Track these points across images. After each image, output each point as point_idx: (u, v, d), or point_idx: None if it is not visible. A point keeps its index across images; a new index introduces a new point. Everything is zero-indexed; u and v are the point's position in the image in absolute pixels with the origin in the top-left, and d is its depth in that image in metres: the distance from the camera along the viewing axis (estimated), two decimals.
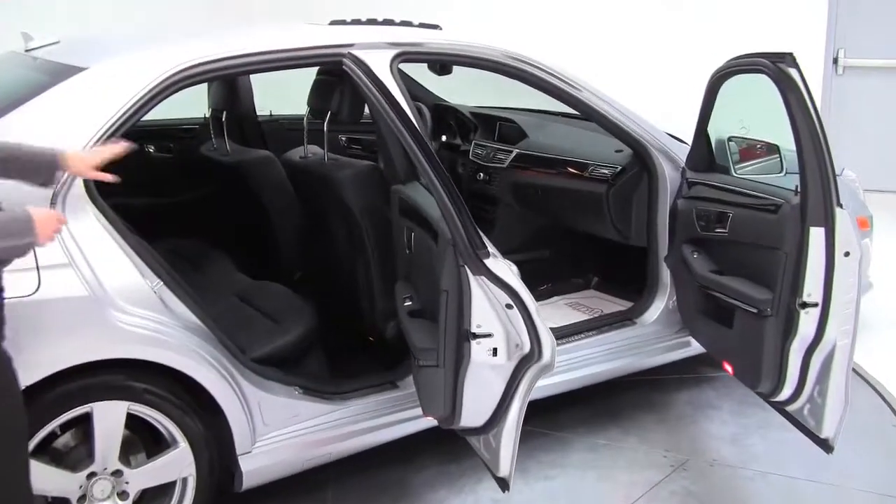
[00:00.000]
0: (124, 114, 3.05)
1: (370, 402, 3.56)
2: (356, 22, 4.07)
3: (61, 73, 3.17)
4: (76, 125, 3.00)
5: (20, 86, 3.27)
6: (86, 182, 2.96)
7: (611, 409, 4.28)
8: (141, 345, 2.99)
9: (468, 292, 2.87)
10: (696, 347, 4.23)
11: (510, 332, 2.88)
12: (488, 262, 2.84)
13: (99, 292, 2.90)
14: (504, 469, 3.05)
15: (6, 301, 2.51)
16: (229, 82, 4.23)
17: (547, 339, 2.84)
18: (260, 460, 3.31)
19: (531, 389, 2.97)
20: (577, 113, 4.18)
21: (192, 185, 4.58)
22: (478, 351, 2.92)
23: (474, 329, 2.90)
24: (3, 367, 2.46)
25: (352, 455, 3.60)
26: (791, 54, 3.20)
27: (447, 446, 3.83)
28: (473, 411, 3.07)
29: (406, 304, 3.36)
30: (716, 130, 3.93)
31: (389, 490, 3.71)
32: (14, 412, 2.50)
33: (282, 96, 4.88)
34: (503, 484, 3.08)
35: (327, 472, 3.63)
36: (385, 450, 3.67)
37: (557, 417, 4.08)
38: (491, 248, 2.88)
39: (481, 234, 2.89)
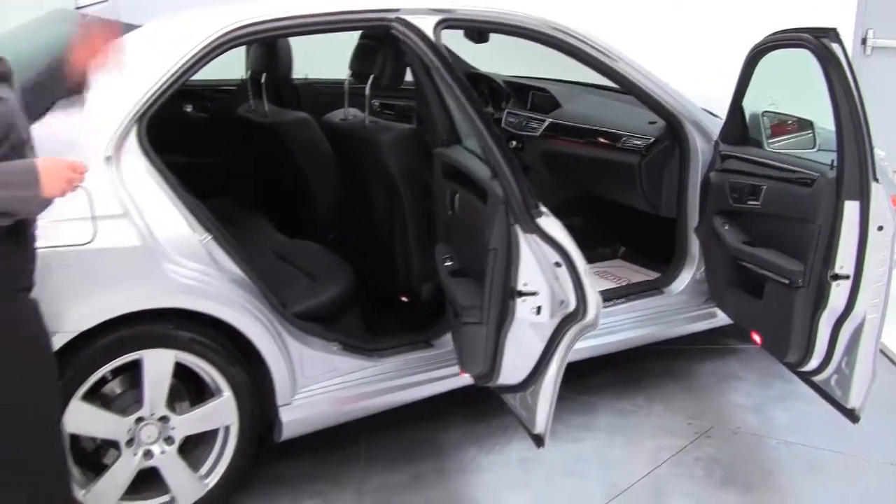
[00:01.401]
0: (177, 72, 3.14)
1: (405, 359, 3.65)
2: None
3: None
4: (130, 82, 3.08)
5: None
6: (139, 137, 3.04)
7: (637, 376, 4.36)
8: (190, 295, 3.07)
9: (517, 251, 2.94)
10: (721, 319, 4.29)
11: (555, 290, 2.95)
12: (540, 220, 2.90)
13: (151, 243, 2.99)
14: (540, 426, 3.12)
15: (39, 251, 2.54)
16: (270, 45, 4.28)
17: (593, 297, 2.91)
18: (299, 412, 3.40)
19: (571, 348, 3.04)
20: (609, 84, 4.24)
21: (228, 146, 4.64)
22: (522, 309, 2.99)
23: (520, 287, 2.97)
24: (32, 315, 2.50)
25: (384, 412, 3.68)
26: (834, 30, 3.25)
27: (476, 406, 3.93)
28: (512, 368, 3.14)
29: (446, 264, 3.44)
30: (751, 105, 3.97)
31: (420, 447, 3.80)
32: (45, 359, 2.56)
33: (316, 60, 4.93)
34: (538, 440, 3.15)
35: (359, 427, 3.70)
36: (416, 408, 3.75)
37: (585, 383, 4.15)
38: (542, 208, 2.95)
39: (533, 193, 2.95)
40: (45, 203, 2.40)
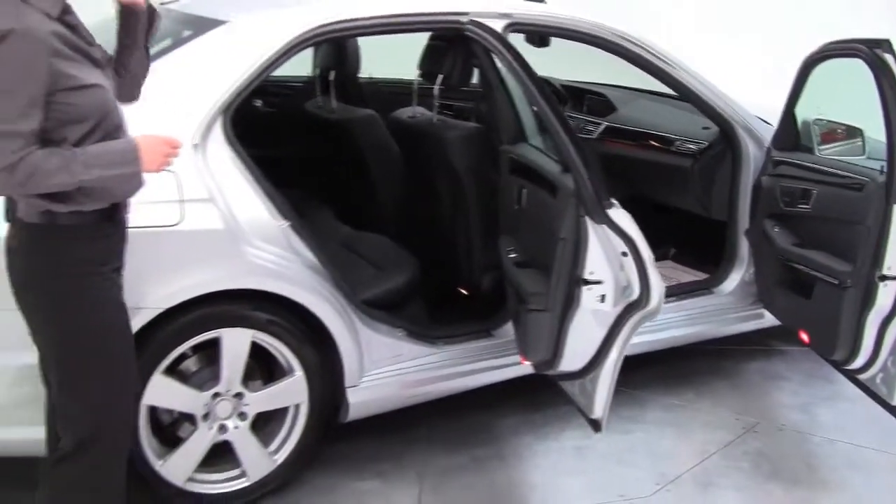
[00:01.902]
0: (261, 67, 3.33)
1: (466, 348, 3.81)
2: None
3: (203, 24, 3.42)
4: (217, 75, 3.26)
5: (163, 35, 3.53)
6: (224, 127, 3.22)
7: (686, 373, 4.50)
8: (269, 278, 3.24)
9: (585, 241, 3.08)
10: (768, 320, 4.42)
11: (620, 279, 3.09)
12: (611, 212, 3.05)
13: (234, 227, 3.16)
14: (598, 411, 3.27)
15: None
16: (339, 44, 4.45)
17: (657, 286, 3.05)
18: (365, 394, 3.56)
19: (632, 335, 3.18)
20: (663, 90, 4.39)
21: (295, 140, 4.81)
22: (587, 297, 3.14)
23: (586, 275, 3.12)
24: (121, 295, 2.66)
25: (444, 397, 3.84)
26: (887, 41, 3.40)
27: (532, 396, 4.09)
28: (573, 355, 3.29)
29: (510, 255, 3.59)
30: (803, 112, 4.10)
31: (478, 433, 3.96)
32: (128, 337, 2.71)
33: (376, 59, 5.09)
34: (595, 425, 3.30)
35: (420, 412, 3.85)
36: (475, 395, 3.91)
37: (636, 378, 4.27)
38: (613, 200, 3.10)
39: (605, 187, 3.10)
40: (141, 183, 2.55)
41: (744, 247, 4.33)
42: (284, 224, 3.29)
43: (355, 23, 3.56)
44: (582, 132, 5.08)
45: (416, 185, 4.26)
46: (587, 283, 3.12)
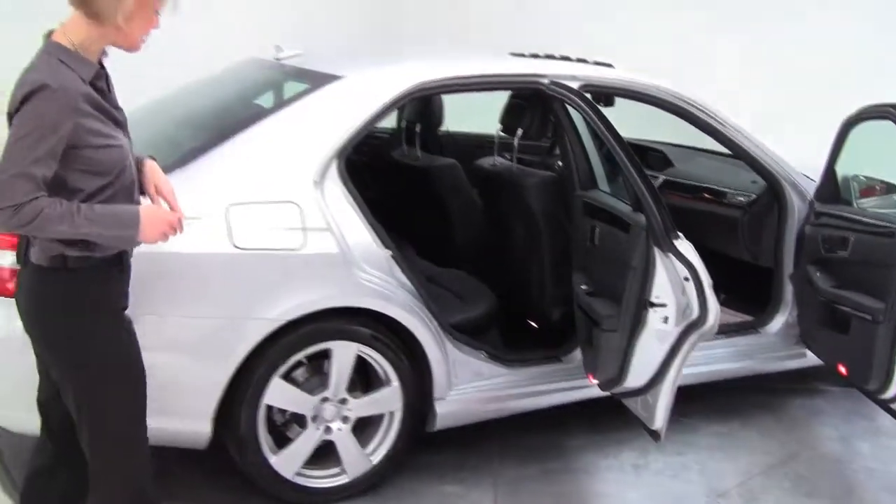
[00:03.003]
0: (371, 117, 3.86)
1: (537, 371, 4.27)
2: (535, 56, 4.81)
3: (320, 79, 3.96)
4: (335, 123, 3.80)
5: (271, 83, 4.11)
6: (339, 168, 3.73)
7: (734, 405, 4.93)
8: (376, 298, 3.74)
9: (653, 268, 3.56)
10: (810, 359, 4.84)
11: (681, 302, 3.55)
12: (677, 242, 3.53)
13: (347, 253, 3.67)
14: (658, 423, 3.72)
15: None
16: (426, 99, 4.97)
17: (713, 307, 3.51)
18: (451, 406, 4.03)
19: (690, 353, 3.63)
20: (713, 147, 4.87)
21: (382, 184, 5.31)
22: (653, 318, 3.61)
23: (653, 299, 3.59)
24: (131, 330, 2.86)
25: (516, 415, 4.30)
26: None
27: (595, 419, 4.55)
28: (637, 373, 3.74)
29: (582, 287, 4.07)
30: (842, 168, 4.58)
31: (546, 449, 4.41)
32: (139, 369, 2.89)
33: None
34: (656, 436, 3.74)
35: (493, 427, 4.31)
36: (543, 414, 4.37)
37: (689, 408, 4.69)
38: (678, 233, 3.57)
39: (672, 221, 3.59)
40: (137, 243, 2.75)
41: (788, 290, 4.77)
42: (388, 253, 3.79)
43: (452, 80, 4.09)
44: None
45: (493, 226, 4.75)
46: (653, 305, 3.59)
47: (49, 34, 2.65)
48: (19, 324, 2.92)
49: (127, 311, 2.88)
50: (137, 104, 4.61)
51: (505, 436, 4.43)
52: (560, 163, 4.83)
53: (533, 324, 4.70)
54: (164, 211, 2.82)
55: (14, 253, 2.90)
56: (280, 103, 3.93)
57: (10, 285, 3.22)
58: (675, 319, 3.57)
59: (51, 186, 2.51)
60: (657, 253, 3.54)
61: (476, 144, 5.41)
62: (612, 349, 3.80)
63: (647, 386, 3.74)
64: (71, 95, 2.51)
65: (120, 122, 2.74)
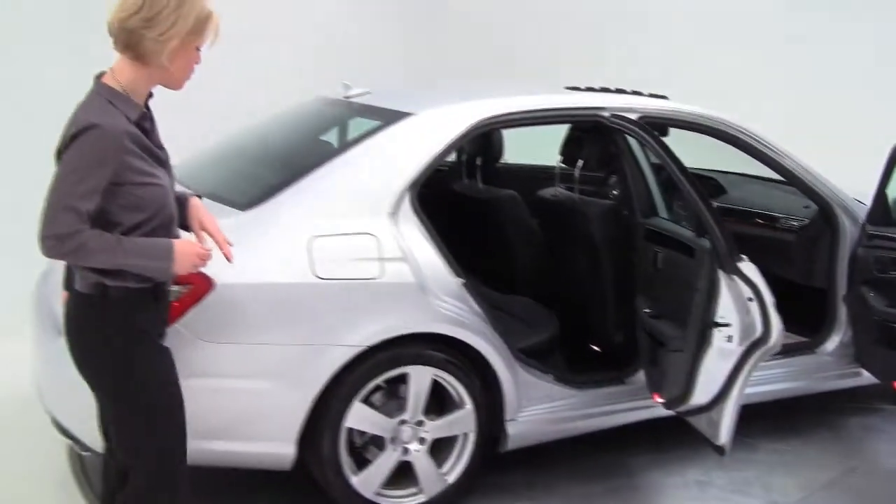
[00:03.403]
0: (442, 151, 4.07)
1: (602, 392, 4.43)
2: (590, 90, 5.00)
3: (392, 116, 4.17)
4: (408, 158, 4.00)
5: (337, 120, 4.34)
6: (411, 200, 3.93)
7: (792, 423, 5.07)
8: (451, 324, 3.93)
9: (717, 290, 3.73)
10: (865, 378, 4.98)
11: (745, 321, 3.72)
12: (741, 264, 3.71)
13: (422, 281, 3.85)
14: (723, 438, 3.87)
15: None
16: (487, 134, 5.16)
17: (776, 325, 3.67)
18: (521, 427, 4.20)
19: (753, 370, 3.79)
20: (760, 174, 5.04)
21: (444, 215, 5.49)
22: (718, 338, 3.78)
23: (717, 319, 3.76)
24: (168, 359, 2.97)
25: (582, 435, 4.45)
26: None
27: (658, 438, 4.71)
28: (703, 391, 3.89)
29: (646, 310, 4.23)
30: (893, 192, 4.72)
31: (612, 468, 4.57)
32: (176, 396, 2.98)
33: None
34: (720, 451, 3.90)
35: (559, 448, 4.45)
36: (606, 435, 4.52)
37: (750, 427, 4.73)
38: (743, 255, 3.75)
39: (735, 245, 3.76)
40: (171, 275, 2.87)
41: (842, 311, 4.91)
42: (460, 281, 3.97)
43: (517, 115, 4.29)
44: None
45: (554, 253, 4.92)
46: (717, 325, 3.76)
47: (99, 76, 2.80)
48: None
49: (212, 340, 3.17)
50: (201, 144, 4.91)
51: (571, 455, 4.58)
52: (615, 192, 5.00)
53: (595, 347, 4.85)
54: (195, 245, 2.93)
55: None
56: (354, 139, 4.12)
57: None
58: (739, 338, 3.73)
59: (93, 219, 2.65)
60: (721, 275, 3.71)
61: (530, 176, 5.60)
62: (677, 368, 3.96)
63: (711, 403, 3.90)
64: (118, 135, 2.66)
65: (162, 161, 2.88)
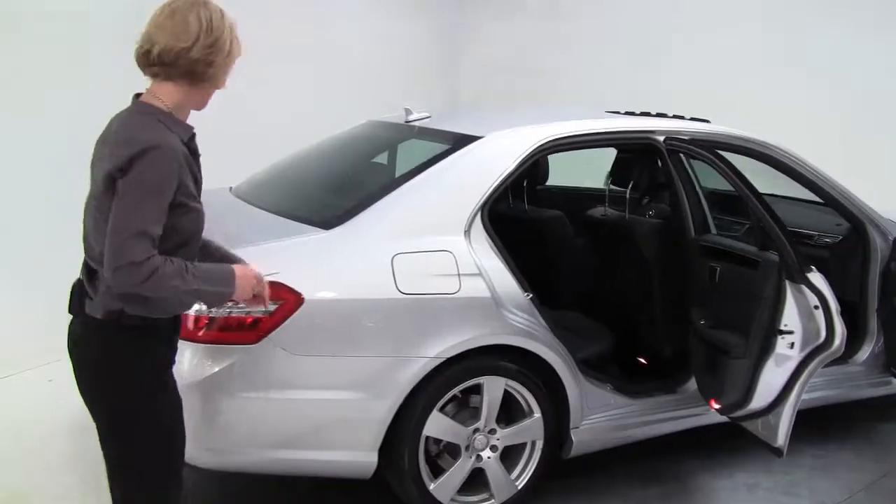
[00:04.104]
0: (510, 172, 4.28)
1: (656, 401, 4.66)
2: (630, 114, 5.26)
3: (461, 140, 4.40)
4: (479, 180, 4.23)
5: (422, 147, 4.55)
6: (482, 219, 4.15)
7: (829, 429, 5.33)
8: (523, 337, 4.15)
9: (783, 299, 3.99)
10: (895, 387, 5.25)
11: (807, 328, 3.97)
12: (810, 275, 3.97)
13: (496, 296, 4.07)
14: (780, 440, 4.12)
15: None
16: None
17: (839, 331, 3.93)
18: (584, 434, 4.42)
19: (812, 375, 4.05)
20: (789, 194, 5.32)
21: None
22: (780, 345, 4.03)
23: (781, 327, 4.01)
24: (175, 385, 2.93)
25: (636, 442, 4.69)
26: None
27: (707, 444, 4.95)
28: (761, 396, 4.14)
29: (702, 322, 4.47)
30: None
31: (664, 472, 4.81)
32: (180, 421, 2.94)
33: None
34: (778, 452, 4.14)
35: (613, 454, 4.67)
36: (657, 442, 4.76)
37: None
38: (812, 266, 4.00)
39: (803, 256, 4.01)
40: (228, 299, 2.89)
41: (873, 323, 5.17)
42: (528, 295, 4.20)
43: (577, 137, 4.52)
44: (731, 231, 5.97)
45: (603, 270, 5.16)
46: (781, 333, 4.00)
47: (137, 96, 2.78)
48: (209, 369, 3.49)
49: (301, 354, 3.46)
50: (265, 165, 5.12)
51: (624, 460, 4.80)
52: (651, 213, 5.23)
53: (641, 360, 5.08)
54: (253, 270, 2.95)
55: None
56: (427, 162, 4.32)
57: (202, 333, 3.67)
58: (801, 345, 3.98)
59: None
60: (788, 285, 3.96)
61: (572, 198, 5.84)
62: (738, 375, 4.20)
63: (769, 407, 4.14)
64: (178, 155, 2.63)
65: (200, 185, 2.82)
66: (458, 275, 4.01)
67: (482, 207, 4.18)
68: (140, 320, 2.72)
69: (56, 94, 6.41)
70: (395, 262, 3.92)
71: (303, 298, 3.71)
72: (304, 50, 8.16)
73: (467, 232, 4.10)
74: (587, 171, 6.27)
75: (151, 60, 2.70)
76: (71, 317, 2.88)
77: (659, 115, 5.19)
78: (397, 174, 4.56)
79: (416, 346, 3.94)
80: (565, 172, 5.96)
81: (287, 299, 3.69)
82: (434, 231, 4.07)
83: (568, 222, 5.29)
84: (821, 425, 5.30)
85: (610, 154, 5.38)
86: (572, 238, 5.29)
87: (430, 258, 4.01)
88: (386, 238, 3.99)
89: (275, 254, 3.85)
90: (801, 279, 3.96)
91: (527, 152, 4.34)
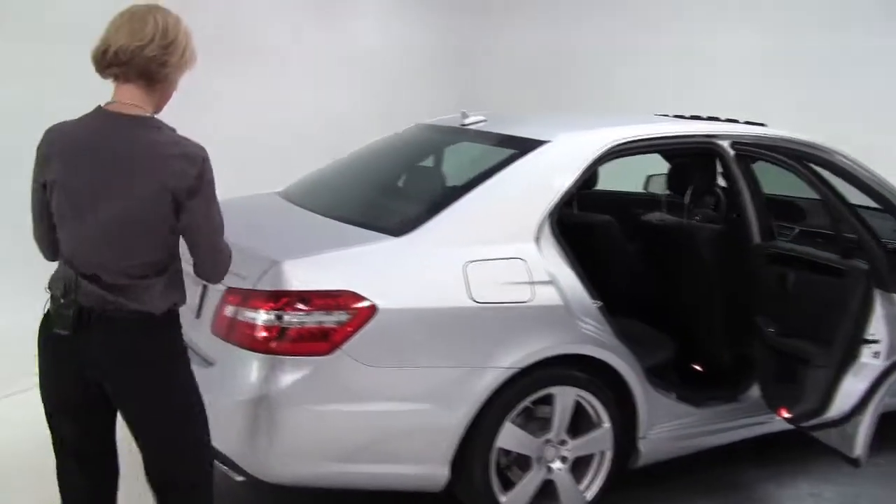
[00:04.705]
0: (577, 179, 4.20)
1: (719, 410, 4.58)
2: (679, 117, 5.18)
3: (527, 144, 4.31)
4: (548, 187, 4.15)
5: (483, 151, 4.46)
6: (551, 226, 4.06)
7: (886, 437, 5.21)
8: (595, 346, 4.07)
9: (872, 308, 3.92)
10: None
11: (892, 339, 3.91)
12: None
13: (568, 304, 3.99)
14: (858, 450, 4.04)
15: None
16: None
17: None
18: (651, 444, 4.34)
19: (892, 385, 3.98)
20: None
21: None
22: (865, 354, 3.96)
23: (868, 336, 3.94)
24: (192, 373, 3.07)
25: (700, 451, 4.61)
26: None
27: (768, 453, 4.88)
28: (839, 405, 4.07)
29: (770, 330, 4.39)
30: None
31: (725, 482, 4.74)
32: (202, 406, 3.09)
33: None
34: (855, 463, 4.07)
35: (676, 463, 4.59)
36: (719, 451, 4.68)
37: None
38: None
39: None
40: None
41: None
42: (598, 303, 4.11)
43: (642, 141, 4.45)
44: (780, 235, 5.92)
45: (659, 276, 5.07)
46: (867, 342, 3.93)
47: (105, 107, 2.86)
48: (280, 381, 3.47)
49: (373, 364, 3.53)
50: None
51: (682, 472, 4.72)
52: (697, 217, 5.16)
53: (697, 367, 5.00)
54: None
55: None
56: (493, 167, 4.22)
57: (274, 345, 3.57)
58: (886, 354, 3.91)
59: (171, 245, 2.90)
60: (878, 294, 3.88)
61: (622, 202, 5.77)
62: (816, 384, 4.13)
63: (847, 416, 4.06)
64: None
65: None
66: (531, 283, 3.93)
67: (550, 215, 4.10)
68: (169, 311, 2.93)
69: (55, 99, 6.27)
70: (468, 270, 3.83)
71: (376, 308, 3.62)
72: (328, 56, 8.09)
73: (538, 238, 4.02)
74: (618, 176, 6.21)
75: (108, 60, 2.79)
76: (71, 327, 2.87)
77: (710, 118, 5.12)
78: (446, 178, 4.53)
79: (490, 355, 3.85)
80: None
81: (360, 309, 3.60)
82: (505, 238, 3.99)
83: (618, 227, 5.21)
84: (881, 433, 5.22)
85: (641, 159, 5.28)
86: (624, 243, 5.21)
87: (502, 266, 3.93)
88: (457, 245, 3.90)
89: (346, 262, 3.76)
90: (893, 288, 3.89)
91: (596, 156, 4.26)
